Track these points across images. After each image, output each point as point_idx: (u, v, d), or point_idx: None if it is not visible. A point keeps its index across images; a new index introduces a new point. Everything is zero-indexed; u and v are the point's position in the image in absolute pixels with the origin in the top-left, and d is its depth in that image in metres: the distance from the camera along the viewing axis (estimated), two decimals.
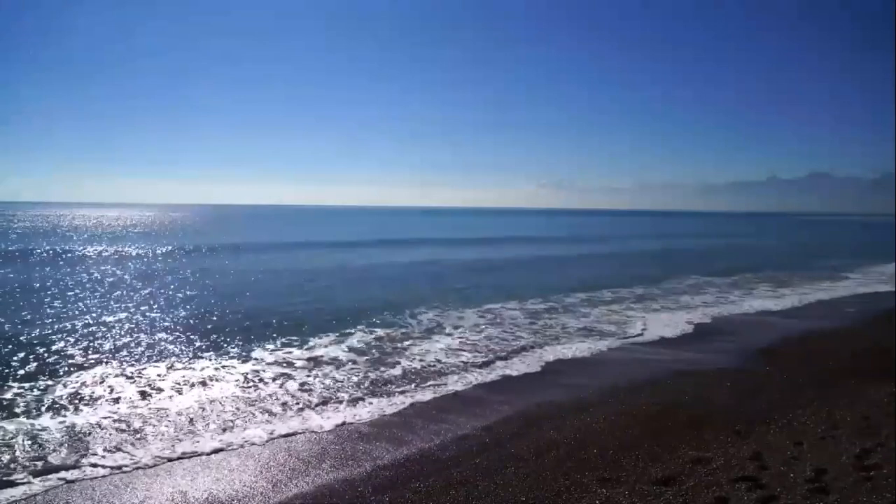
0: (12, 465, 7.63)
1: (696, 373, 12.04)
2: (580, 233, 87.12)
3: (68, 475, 7.42)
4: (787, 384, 10.99)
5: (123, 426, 9.08)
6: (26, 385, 10.87)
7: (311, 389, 11.12)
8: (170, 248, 46.27)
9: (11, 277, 26.81)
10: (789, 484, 6.57)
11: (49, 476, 7.37)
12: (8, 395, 10.30)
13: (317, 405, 10.30)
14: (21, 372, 11.73)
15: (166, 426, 9.12)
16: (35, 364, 12.30)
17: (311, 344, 14.57)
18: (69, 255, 39.23)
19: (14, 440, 8.41)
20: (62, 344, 14.12)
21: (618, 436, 8.49)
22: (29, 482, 7.23)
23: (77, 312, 18.41)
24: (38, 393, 10.47)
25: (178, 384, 11.23)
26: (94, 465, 7.71)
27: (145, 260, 37.65)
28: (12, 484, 7.15)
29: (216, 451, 8.29)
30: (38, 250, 41.37)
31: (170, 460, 7.95)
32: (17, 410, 9.62)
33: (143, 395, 10.58)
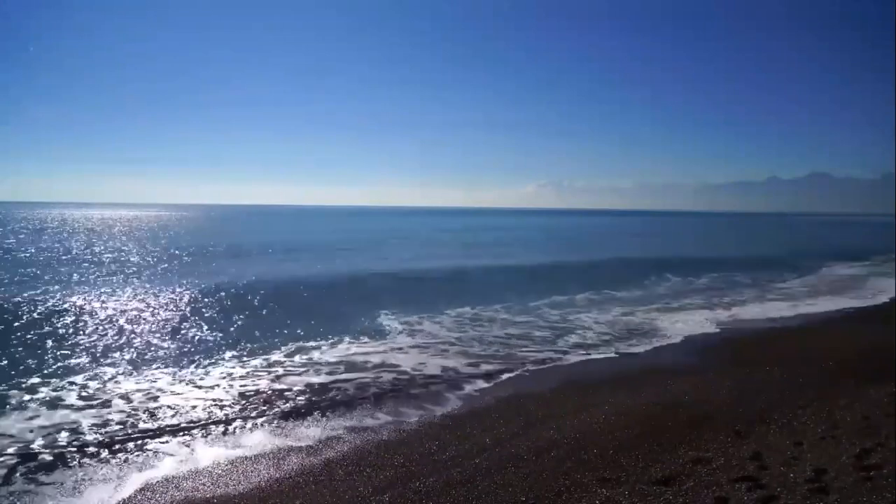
0: None
1: (696, 373, 12.03)
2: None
3: None
4: (787, 384, 10.98)
5: None
6: None
7: (304, 392, 11.15)
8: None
9: None
10: (789, 484, 6.56)
11: None
12: None
13: (311, 408, 10.34)
14: None
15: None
16: None
17: (295, 353, 14.68)
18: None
19: None
20: None
21: (618, 436, 8.49)
22: None
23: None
24: None
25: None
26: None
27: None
28: None
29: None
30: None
31: None
32: None
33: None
